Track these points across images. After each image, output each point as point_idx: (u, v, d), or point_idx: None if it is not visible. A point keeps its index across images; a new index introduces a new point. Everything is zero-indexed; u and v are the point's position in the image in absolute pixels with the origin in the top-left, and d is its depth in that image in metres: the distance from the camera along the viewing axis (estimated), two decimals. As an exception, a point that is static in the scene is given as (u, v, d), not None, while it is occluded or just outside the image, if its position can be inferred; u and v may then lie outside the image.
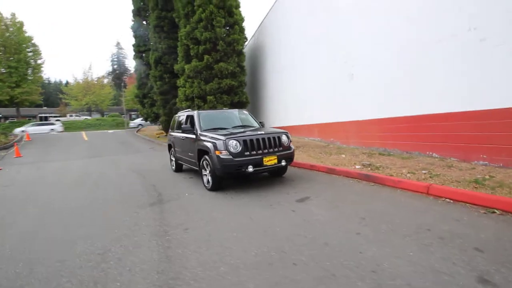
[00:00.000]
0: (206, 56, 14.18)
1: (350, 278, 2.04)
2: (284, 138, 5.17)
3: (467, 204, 3.40)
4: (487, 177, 4.20)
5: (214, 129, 5.56)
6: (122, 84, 45.81)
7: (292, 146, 5.39)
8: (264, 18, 15.46)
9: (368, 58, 7.48)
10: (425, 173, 4.84)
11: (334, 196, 4.20)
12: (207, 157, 4.96)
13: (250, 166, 4.61)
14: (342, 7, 8.40)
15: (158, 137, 18.52)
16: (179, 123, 6.94)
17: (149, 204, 4.40)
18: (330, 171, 5.84)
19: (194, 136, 5.63)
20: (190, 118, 6.12)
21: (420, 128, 6.08)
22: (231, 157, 4.56)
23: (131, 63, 54.59)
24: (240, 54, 15.10)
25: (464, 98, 5.18)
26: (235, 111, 6.44)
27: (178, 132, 6.82)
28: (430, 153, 5.88)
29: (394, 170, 5.22)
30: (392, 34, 6.67)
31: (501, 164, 4.57)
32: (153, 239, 2.97)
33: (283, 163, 5.00)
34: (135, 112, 50.44)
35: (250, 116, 6.53)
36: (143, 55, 20.21)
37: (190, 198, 4.61)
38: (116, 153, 13.13)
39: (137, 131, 24.99)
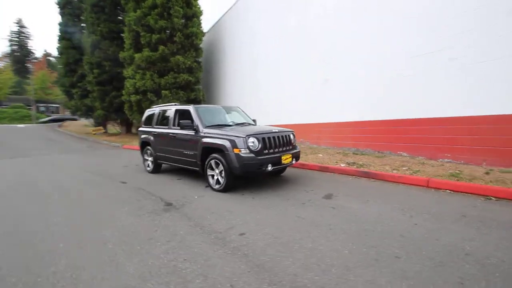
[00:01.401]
0: (161, 47, 13.03)
1: (456, 263, 2.23)
2: (292, 136, 5.20)
3: (465, 194, 4.12)
4: (457, 171, 5.15)
5: (217, 126, 5.18)
6: (27, 69, 37.68)
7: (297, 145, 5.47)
8: (224, 15, 15.11)
9: (344, 65, 8.19)
10: (406, 169, 5.60)
11: (353, 192, 4.44)
12: (218, 155, 4.58)
13: (269, 165, 4.48)
14: (317, 23, 8.98)
15: (95, 134, 15.98)
16: (162, 119, 6.17)
17: (162, 210, 3.79)
18: (323, 169, 6.15)
19: (193, 133, 5.12)
20: (185, 113, 5.52)
21: (392, 131, 7.00)
22: (253, 155, 4.33)
23: (37, 45, 45.41)
24: (198, 49, 14.42)
25: (431, 106, 6.22)
26: (230, 107, 6.10)
27: (161, 129, 6.07)
28: (400, 152, 6.84)
29: (378, 167, 5.86)
30: (369, 48, 7.47)
31: (462, 161, 5.68)
32: (217, 249, 2.58)
33: (294, 161, 5.04)
34: (45, 104, 42.33)
35: (244, 113, 6.31)
36: (72, 36, 17.09)
37: (205, 201, 4.17)
38: (48, 152, 10.82)
39: (59, 126, 20.93)
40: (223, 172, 4.56)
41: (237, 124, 5.48)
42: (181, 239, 2.81)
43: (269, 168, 4.49)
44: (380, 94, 7.24)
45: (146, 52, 13.01)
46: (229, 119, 5.73)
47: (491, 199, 3.85)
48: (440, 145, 6.07)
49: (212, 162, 4.71)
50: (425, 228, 2.93)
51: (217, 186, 4.66)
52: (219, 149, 4.59)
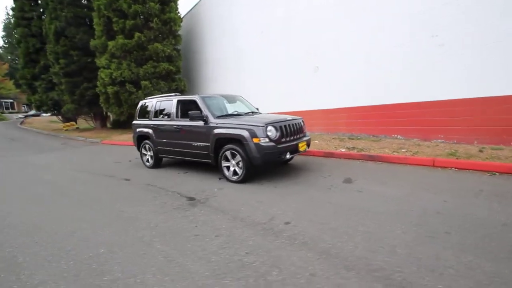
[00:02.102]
0: (137, 34, 12.23)
1: (499, 234, 2.42)
2: (303, 123, 5.21)
3: (469, 171, 4.47)
4: (453, 150, 5.55)
5: (227, 116, 5.03)
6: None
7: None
8: (200, 0, 14.43)
9: (335, 53, 8.30)
10: (405, 151, 5.92)
11: (368, 175, 4.59)
12: (234, 146, 4.46)
13: (288, 153, 4.47)
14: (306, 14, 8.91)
15: (66, 130, 14.71)
16: (162, 110, 5.83)
17: (188, 205, 3.63)
18: (328, 155, 6.28)
19: (202, 124, 4.91)
20: (189, 104, 5.26)
21: (386, 115, 7.31)
22: (273, 144, 4.28)
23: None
24: (176, 36, 13.74)
25: (422, 90, 6.57)
26: (232, 96, 5.90)
27: (161, 121, 5.75)
28: (395, 135, 7.20)
29: (378, 150, 6.12)
30: (361, 39, 7.62)
31: (455, 141, 6.13)
32: (272, 240, 2.53)
33: (307, 148, 5.07)
34: (-5, 99, 38.06)
35: (247, 101, 6.17)
36: (31, 22, 15.26)
37: (228, 193, 4.06)
38: (19, 152, 9.81)
39: (21, 123, 18.95)
40: (240, 162, 4.47)
41: (246, 114, 5.36)
42: (229, 233, 2.72)
43: (288, 156, 4.48)
44: (372, 80, 7.48)
45: (120, 40, 12.10)
46: (234, 108, 5.57)
47: (495, 174, 4.21)
48: (433, 127, 6.49)
49: (228, 153, 4.58)
50: (455, 204, 3.15)
51: (234, 177, 4.56)
52: (236, 139, 4.47)
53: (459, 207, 3.06)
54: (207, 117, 4.87)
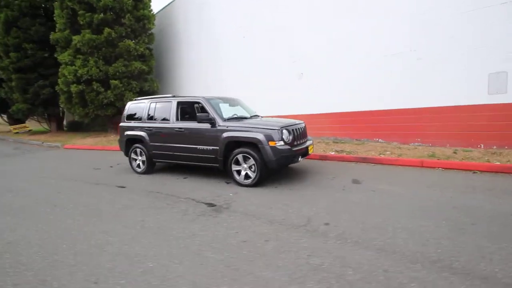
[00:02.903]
0: (107, 29, 11.39)
1: (515, 223, 2.82)
2: (305, 127, 5.36)
3: (454, 170, 5.06)
4: (431, 152, 6.22)
5: (235, 119, 4.95)
6: None
7: (308, 136, 5.67)
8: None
9: (320, 61, 8.71)
10: (389, 153, 6.47)
11: (371, 176, 4.91)
12: (247, 149, 4.41)
13: (300, 156, 4.56)
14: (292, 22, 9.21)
15: (16, 132, 12.83)
16: (158, 112, 5.49)
17: (212, 211, 3.48)
18: (323, 158, 6.55)
19: (209, 127, 4.75)
20: (191, 106, 5.05)
21: (369, 120, 7.88)
22: (288, 147, 4.33)
23: None
24: (149, 34, 13.08)
25: (401, 99, 7.25)
26: (233, 99, 5.80)
27: (158, 123, 5.42)
28: (377, 139, 7.79)
29: (364, 152, 6.59)
30: (345, 48, 8.13)
31: (430, 144, 6.87)
32: (325, 241, 2.57)
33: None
34: None
35: (247, 106, 6.12)
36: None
37: (247, 197, 3.98)
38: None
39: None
40: (253, 166, 4.42)
41: (252, 117, 5.34)
42: (276, 238, 2.68)
43: (300, 159, 4.58)
44: (356, 88, 8.03)
45: (88, 35, 11.09)
46: (235, 111, 5.49)
47: (476, 172, 4.84)
48: (410, 132, 7.19)
49: (239, 156, 4.50)
50: (462, 199, 3.54)
51: (246, 181, 4.48)
52: (250, 143, 4.42)
53: (467, 202, 3.45)
54: (215, 119, 4.73)
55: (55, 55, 11.92)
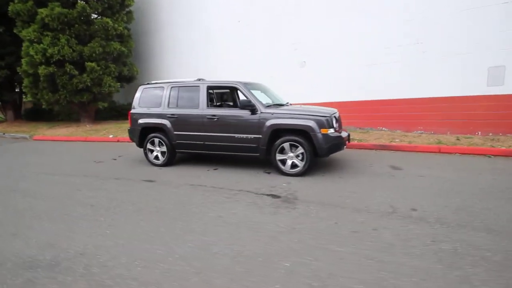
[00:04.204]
0: (80, 3, 10.04)
1: None
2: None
3: (470, 155, 5.50)
4: (437, 140, 6.70)
5: (274, 106, 4.70)
6: None
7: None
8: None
9: (323, 49, 8.70)
10: (398, 141, 6.83)
11: (405, 162, 5.06)
12: (295, 137, 4.23)
13: (345, 144, 4.53)
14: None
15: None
16: (183, 98, 4.96)
17: (283, 202, 3.29)
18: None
19: (249, 114, 4.45)
20: (226, 91, 4.66)
21: (372, 109, 8.18)
22: (339, 134, 4.25)
23: None
24: (128, 12, 11.83)
25: (403, 89, 7.64)
26: (262, 85, 5.47)
27: (185, 110, 4.92)
28: (380, 127, 8.14)
29: (375, 140, 6.87)
30: (350, 37, 8.22)
31: (432, 132, 7.38)
32: (430, 226, 2.57)
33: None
34: None
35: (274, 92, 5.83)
36: None
37: (305, 186, 3.83)
38: None
39: None
40: (300, 155, 4.27)
41: (288, 103, 5.14)
42: (381, 226, 2.61)
43: (344, 147, 4.55)
44: (359, 77, 8.23)
45: (57, 8, 9.58)
46: (272, 98, 5.21)
47: (490, 156, 5.33)
48: (413, 120, 7.64)
49: (286, 145, 4.30)
50: (504, 181, 3.86)
51: (293, 171, 4.32)
52: (299, 130, 4.24)
53: (506, 183, 3.77)
54: (256, 106, 4.43)
55: (15, 31, 10.08)
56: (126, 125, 11.43)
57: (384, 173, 4.43)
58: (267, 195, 3.57)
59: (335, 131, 4.27)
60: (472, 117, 6.88)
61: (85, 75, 10.22)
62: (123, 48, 11.17)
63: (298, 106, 5.06)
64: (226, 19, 10.57)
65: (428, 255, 2.12)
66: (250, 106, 4.41)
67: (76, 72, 10.12)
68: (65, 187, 4.12)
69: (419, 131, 7.58)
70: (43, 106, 10.86)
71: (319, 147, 4.16)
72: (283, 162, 4.40)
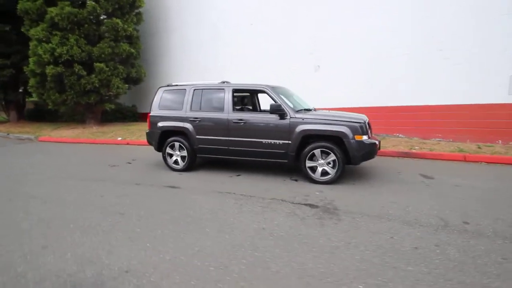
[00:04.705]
0: (91, 3, 9.83)
1: None
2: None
3: (496, 164, 5.37)
4: (458, 148, 6.58)
5: (304, 111, 4.54)
6: None
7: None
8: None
9: (338, 53, 8.60)
10: (418, 148, 6.70)
11: (434, 170, 4.89)
12: (328, 144, 4.06)
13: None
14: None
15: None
16: (207, 100, 4.79)
17: (325, 212, 3.10)
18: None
19: (277, 118, 4.29)
20: (252, 95, 4.49)
21: (389, 116, 8.06)
22: (373, 141, 4.10)
23: None
24: (138, 13, 11.68)
25: (421, 95, 7.55)
26: (286, 89, 5.31)
27: (209, 113, 4.74)
28: (397, 134, 8.02)
29: (392, 147, 6.74)
30: (365, 41, 8.14)
31: (451, 140, 7.27)
32: (492, 242, 2.41)
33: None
34: None
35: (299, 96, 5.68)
36: None
37: (339, 196, 3.65)
38: None
39: None
40: (331, 162, 4.11)
41: (315, 109, 4.98)
42: (441, 241, 2.44)
43: (375, 155, 4.40)
44: (376, 82, 8.12)
45: (67, 7, 9.39)
46: (300, 102, 5.05)
47: (517, 166, 5.22)
48: (430, 127, 7.53)
49: (317, 151, 4.14)
50: (548, 192, 3.74)
51: (324, 178, 4.14)
52: (331, 137, 4.08)
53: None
54: (288, 112, 4.27)
55: (22, 29, 9.86)
56: (134, 127, 11.28)
57: (416, 181, 4.28)
58: (304, 204, 3.39)
59: (369, 138, 4.12)
60: (492, 126, 6.78)
61: (93, 75, 10.00)
62: (132, 50, 10.97)
63: (326, 111, 4.90)
64: (236, 17, 10.45)
65: (507, 274, 1.96)
66: (280, 111, 4.24)
67: (85, 73, 9.90)
68: (85, 193, 3.91)
69: (437, 139, 7.46)
70: (49, 107, 10.60)
71: (352, 154, 4.00)
72: (313, 169, 4.23)
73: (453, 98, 7.17)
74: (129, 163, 5.91)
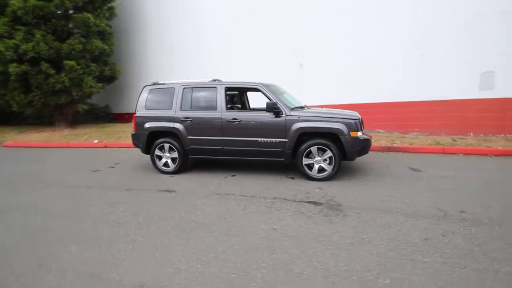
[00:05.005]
0: (58, -5, 9.05)
1: None
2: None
3: (473, 155, 5.76)
4: (435, 141, 6.99)
5: (298, 108, 4.54)
6: None
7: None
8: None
9: (320, 52, 8.74)
10: (399, 142, 7.03)
11: (420, 163, 5.12)
12: (323, 141, 4.10)
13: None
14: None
15: None
16: (198, 99, 4.62)
17: (333, 210, 3.13)
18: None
19: (273, 116, 4.25)
20: (244, 93, 4.40)
21: (370, 112, 8.34)
22: (367, 137, 4.19)
23: None
24: (110, 8, 11.04)
25: (400, 93, 7.91)
26: (277, 86, 5.26)
27: (201, 112, 4.58)
28: (378, 130, 8.33)
29: (375, 142, 7.00)
30: (347, 45, 8.35)
31: (428, 133, 7.69)
32: (493, 229, 2.56)
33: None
34: None
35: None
36: None
37: (338, 192, 3.70)
38: None
39: None
40: (328, 158, 4.15)
41: (307, 107, 5.00)
42: (448, 231, 2.54)
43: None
44: (356, 80, 8.38)
45: (32, 0, 8.59)
46: (291, 100, 5.02)
47: (491, 156, 5.63)
48: (409, 122, 7.93)
49: (313, 148, 4.15)
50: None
51: (320, 175, 4.17)
52: (328, 134, 4.12)
53: (530, 181, 3.97)
54: (283, 110, 4.24)
55: (-23, 23, 8.88)
56: (110, 128, 10.66)
57: (406, 175, 4.46)
58: (307, 202, 3.39)
59: (362, 134, 4.22)
60: (464, 120, 7.28)
61: (63, 74, 9.28)
62: (105, 46, 10.34)
63: (319, 108, 4.95)
64: (219, 15, 10.24)
65: (513, 260, 2.08)
66: (276, 109, 4.20)
67: (53, 71, 9.16)
68: (71, 201, 3.60)
69: (415, 133, 7.87)
70: (13, 109, 9.67)
71: (348, 150, 4.07)
72: (309, 166, 4.25)
73: (429, 95, 7.60)
74: (112, 167, 5.55)
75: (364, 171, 4.69)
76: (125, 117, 12.71)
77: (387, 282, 1.84)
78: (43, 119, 12.41)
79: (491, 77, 6.86)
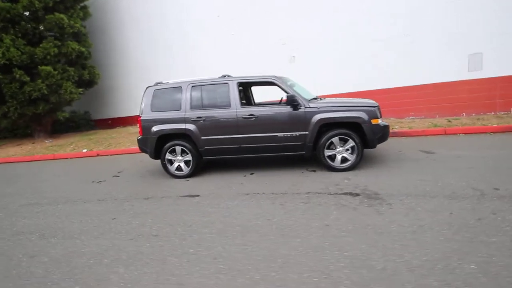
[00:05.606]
0: (25, -5, 8.29)
1: None
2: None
3: (473, 134, 6.01)
4: (432, 123, 7.24)
5: (315, 99, 4.46)
6: None
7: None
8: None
9: (312, 44, 8.71)
10: (398, 127, 7.22)
11: (431, 146, 5.24)
12: (345, 130, 4.05)
13: (386, 135, 4.52)
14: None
15: None
16: (209, 97, 4.39)
17: (368, 200, 3.08)
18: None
19: (291, 109, 4.14)
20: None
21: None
22: (387, 124, 4.20)
23: None
24: (84, 7, 10.30)
25: (397, 77, 8.09)
26: (287, 78, 5.12)
27: (215, 110, 4.35)
28: (374, 116, 8.48)
29: None
30: (338, 31, 8.37)
31: (423, 116, 7.94)
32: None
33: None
34: None
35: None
36: None
37: (368, 181, 3.66)
38: None
39: None
40: (350, 148, 4.11)
41: (320, 97, 4.92)
42: (495, 210, 2.58)
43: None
44: (349, 68, 8.47)
45: (-3, 1, 7.75)
46: (305, 92, 4.91)
47: (490, 134, 5.90)
48: (404, 107, 8.14)
49: (335, 139, 4.09)
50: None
51: (344, 165, 4.13)
52: (350, 123, 4.06)
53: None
54: (303, 102, 4.12)
55: None
56: (96, 136, 10.03)
57: (422, 158, 4.54)
58: (343, 194, 3.32)
59: (382, 120, 4.22)
60: (456, 101, 7.59)
61: (39, 81, 8.54)
62: (82, 48, 9.64)
63: (334, 98, 4.91)
64: (204, 11, 9.88)
65: None
66: (294, 102, 4.08)
67: (28, 78, 8.39)
68: (91, 217, 3.27)
69: (411, 117, 8.11)
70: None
71: (370, 138, 4.05)
72: (331, 158, 4.19)
73: (422, 78, 7.82)
74: (116, 176, 5.19)
75: (381, 158, 4.72)
76: (108, 123, 12.04)
77: (472, 267, 1.81)
78: (16, 131, 11.43)
79: (479, 58, 7.18)
